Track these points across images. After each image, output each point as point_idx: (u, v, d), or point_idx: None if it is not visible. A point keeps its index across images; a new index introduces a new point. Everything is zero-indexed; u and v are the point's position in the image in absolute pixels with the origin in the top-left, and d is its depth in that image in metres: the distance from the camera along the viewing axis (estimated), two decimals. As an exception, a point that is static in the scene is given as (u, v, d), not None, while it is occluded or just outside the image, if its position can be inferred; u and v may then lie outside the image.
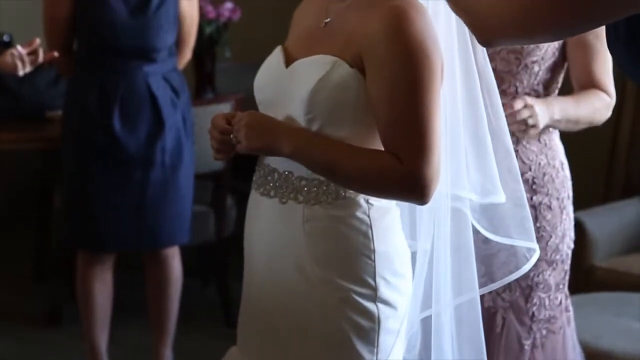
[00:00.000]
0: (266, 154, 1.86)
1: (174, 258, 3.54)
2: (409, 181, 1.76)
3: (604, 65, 2.31)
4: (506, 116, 1.98)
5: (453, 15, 1.86)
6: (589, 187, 4.25)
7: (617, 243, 3.90)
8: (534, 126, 2.23)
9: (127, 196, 3.35)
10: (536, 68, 2.29)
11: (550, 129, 2.37)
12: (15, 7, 4.72)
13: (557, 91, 2.38)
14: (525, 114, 2.18)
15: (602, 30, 2.20)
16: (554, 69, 2.34)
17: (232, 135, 1.83)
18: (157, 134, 3.36)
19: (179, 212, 3.45)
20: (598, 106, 2.33)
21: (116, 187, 3.34)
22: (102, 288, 3.46)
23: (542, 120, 2.22)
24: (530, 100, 2.20)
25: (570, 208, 2.41)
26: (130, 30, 3.29)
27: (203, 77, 4.49)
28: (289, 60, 1.88)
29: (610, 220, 3.91)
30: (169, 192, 3.40)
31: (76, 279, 3.48)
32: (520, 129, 2.22)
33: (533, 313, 2.36)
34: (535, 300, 2.35)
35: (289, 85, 1.84)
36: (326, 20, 1.87)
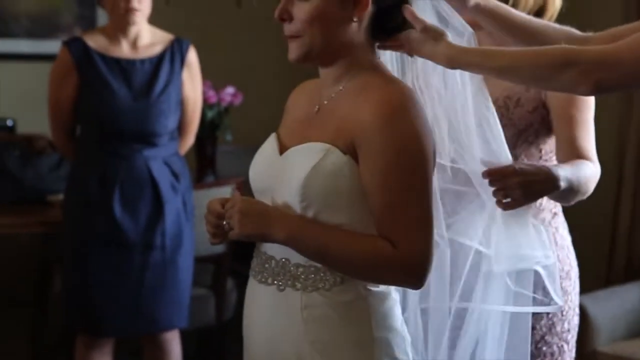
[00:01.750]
0: (259, 240, 1.86)
1: (173, 342, 3.51)
2: (403, 267, 1.76)
3: (588, 136, 2.27)
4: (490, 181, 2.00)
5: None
6: (591, 271, 4.24)
7: (620, 327, 3.87)
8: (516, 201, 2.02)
9: (126, 280, 3.34)
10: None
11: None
12: (19, 92, 4.77)
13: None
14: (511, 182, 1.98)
15: (584, 102, 2.26)
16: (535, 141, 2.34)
17: (224, 222, 1.82)
18: (157, 217, 3.36)
19: (178, 295, 3.44)
20: (590, 174, 2.22)
21: (115, 271, 3.34)
22: (101, 372, 3.43)
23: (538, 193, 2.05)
24: (523, 165, 2.02)
25: (564, 300, 2.35)
26: (131, 114, 3.32)
27: (204, 161, 4.52)
28: (282, 148, 1.89)
29: (613, 305, 3.89)
30: (168, 275, 3.40)
31: (74, 362, 3.46)
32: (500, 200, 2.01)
33: None
34: None
35: (283, 172, 1.84)
36: (318, 106, 1.89)
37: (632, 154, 4.44)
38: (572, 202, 2.25)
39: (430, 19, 1.91)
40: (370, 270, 1.79)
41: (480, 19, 2.08)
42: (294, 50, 1.84)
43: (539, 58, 1.81)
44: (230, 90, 4.51)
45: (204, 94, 4.29)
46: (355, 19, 1.81)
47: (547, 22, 2.20)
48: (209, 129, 4.45)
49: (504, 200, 2.01)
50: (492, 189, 2.02)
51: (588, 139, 2.27)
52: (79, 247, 3.37)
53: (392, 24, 1.87)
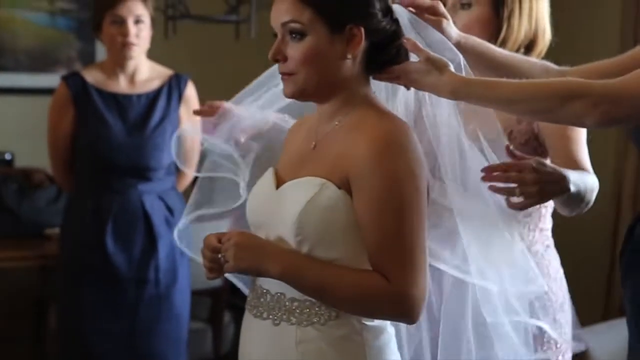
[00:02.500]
0: (254, 274, 1.86)
1: (170, 377, 3.49)
2: (397, 302, 1.76)
3: (584, 152, 2.27)
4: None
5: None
6: (589, 304, 4.23)
7: (619, 361, 3.84)
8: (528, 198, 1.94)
9: (120, 315, 3.34)
10: None
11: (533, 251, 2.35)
12: (17, 125, 4.78)
13: None
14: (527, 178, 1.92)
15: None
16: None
17: (220, 255, 1.82)
18: (150, 252, 3.37)
19: (174, 330, 3.43)
20: (592, 183, 2.17)
21: (109, 306, 3.33)
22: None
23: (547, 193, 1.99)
24: (538, 164, 1.94)
25: (558, 332, 2.36)
26: (126, 148, 3.34)
27: (202, 194, 4.50)
28: (279, 183, 1.90)
29: (611, 339, 3.86)
30: (163, 310, 3.39)
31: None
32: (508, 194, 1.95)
33: None
34: None
35: (278, 207, 1.84)
36: (315, 142, 1.90)
37: (629, 187, 4.44)
38: (575, 212, 2.21)
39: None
40: (365, 305, 1.78)
41: (462, 57, 2.08)
42: (288, 87, 1.85)
43: (545, 89, 1.81)
44: (228, 124, 4.51)
45: (202, 128, 4.29)
46: (349, 56, 1.82)
47: (526, 58, 2.21)
48: (207, 162, 4.44)
49: (516, 200, 1.93)
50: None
51: (584, 154, 2.26)
52: (72, 280, 3.38)
53: (385, 58, 1.87)
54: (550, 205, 2.39)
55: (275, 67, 1.96)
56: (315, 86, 1.83)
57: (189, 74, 3.62)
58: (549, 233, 2.43)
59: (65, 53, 4.94)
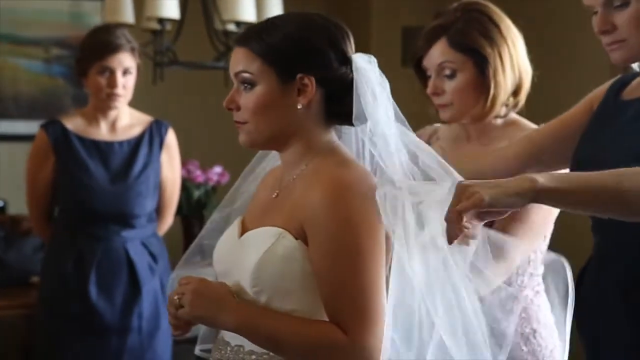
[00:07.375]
0: (209, 324, 1.85)
1: None
2: (353, 353, 1.73)
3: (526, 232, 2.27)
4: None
5: None
6: None
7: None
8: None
9: (103, 364, 3.31)
10: None
11: (518, 296, 2.33)
12: (10, 174, 4.79)
13: None
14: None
15: (526, 216, 2.26)
16: None
17: (175, 296, 1.80)
18: (134, 299, 3.35)
19: (156, 379, 3.40)
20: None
21: (91, 355, 3.31)
22: None
23: None
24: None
25: None
26: (109, 196, 3.33)
27: (192, 240, 4.49)
28: (243, 232, 1.89)
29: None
30: (146, 359, 3.36)
31: None
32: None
33: None
34: None
35: (240, 256, 1.84)
36: (277, 191, 1.89)
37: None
38: None
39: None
40: (320, 357, 1.76)
41: None
42: (242, 136, 1.87)
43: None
44: (217, 169, 4.52)
45: (191, 173, 4.30)
46: (299, 106, 1.82)
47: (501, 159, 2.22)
48: (196, 208, 4.44)
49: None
50: None
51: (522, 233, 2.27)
52: (52, 330, 3.36)
53: (344, 109, 1.84)
54: (540, 250, 2.37)
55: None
56: (267, 135, 1.84)
57: (177, 120, 3.62)
58: (539, 279, 2.41)
59: (59, 100, 4.97)
